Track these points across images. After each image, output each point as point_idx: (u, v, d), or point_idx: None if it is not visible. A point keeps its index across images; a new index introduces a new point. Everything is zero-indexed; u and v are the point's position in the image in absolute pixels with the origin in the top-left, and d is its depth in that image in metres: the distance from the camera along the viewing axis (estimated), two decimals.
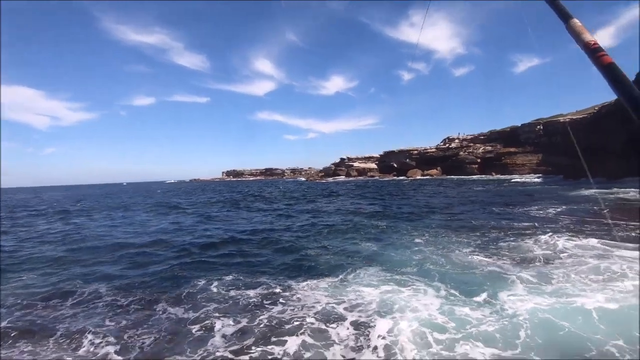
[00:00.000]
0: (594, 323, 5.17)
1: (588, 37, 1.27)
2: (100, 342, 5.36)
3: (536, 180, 43.67)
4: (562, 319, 5.42)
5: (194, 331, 5.45)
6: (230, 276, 8.50)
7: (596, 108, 39.44)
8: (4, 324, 6.21)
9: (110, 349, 5.19)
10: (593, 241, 9.47)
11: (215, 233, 14.72)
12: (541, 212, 15.59)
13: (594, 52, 1.19)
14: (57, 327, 5.95)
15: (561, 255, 8.65)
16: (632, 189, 21.92)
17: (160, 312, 6.48)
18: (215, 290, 7.54)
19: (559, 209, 16.03)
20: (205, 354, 4.82)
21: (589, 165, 33.91)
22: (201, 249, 11.50)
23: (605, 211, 14.96)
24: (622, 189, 22.62)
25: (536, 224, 12.65)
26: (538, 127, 64.86)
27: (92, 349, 5.18)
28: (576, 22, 1.37)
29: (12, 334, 5.79)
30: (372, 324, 5.59)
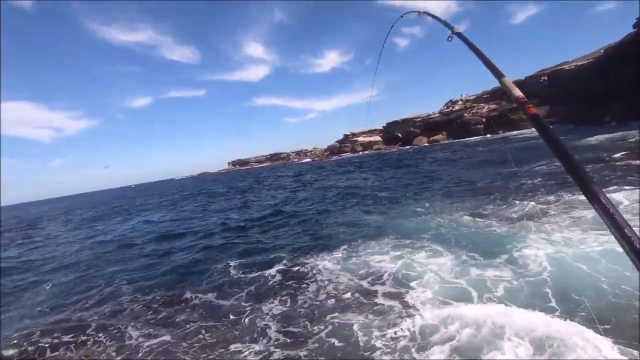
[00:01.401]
0: (603, 264, 5.32)
1: (517, 92, 1.47)
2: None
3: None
4: (575, 263, 5.55)
5: (244, 319, 5.66)
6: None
7: (602, 51, 37.91)
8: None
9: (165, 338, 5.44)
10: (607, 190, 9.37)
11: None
12: (546, 167, 15.40)
13: (523, 104, 1.39)
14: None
15: (566, 208, 8.66)
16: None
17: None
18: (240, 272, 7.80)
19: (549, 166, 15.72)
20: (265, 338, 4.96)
21: (597, 110, 33.12)
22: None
23: (606, 157, 14.72)
24: (630, 132, 22.05)
25: (540, 180, 12.55)
26: (542, 78, 62.97)
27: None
28: (507, 79, 1.58)
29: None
30: (402, 296, 5.72)
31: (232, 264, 8.72)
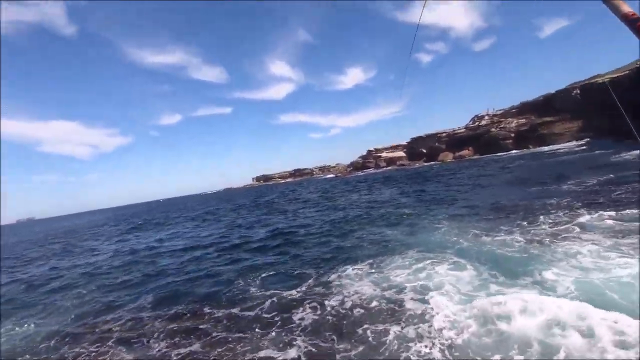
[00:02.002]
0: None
1: (626, 8, 1.25)
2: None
3: (578, 147, 41.06)
4: (606, 290, 5.20)
5: (272, 330, 5.73)
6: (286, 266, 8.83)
7: (638, 63, 36.32)
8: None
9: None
10: (631, 212, 8.86)
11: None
12: (574, 186, 14.65)
13: (633, 22, 1.18)
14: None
15: (593, 230, 8.19)
16: None
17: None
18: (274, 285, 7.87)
19: (595, 180, 14.97)
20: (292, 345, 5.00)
21: (635, 125, 31.46)
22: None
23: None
24: None
25: (568, 200, 11.93)
26: (575, 91, 60.76)
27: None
28: None
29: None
30: (424, 309, 5.65)
31: (257, 275, 8.82)
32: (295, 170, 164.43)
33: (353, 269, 8.12)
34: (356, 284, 7.12)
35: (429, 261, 7.72)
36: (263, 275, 8.90)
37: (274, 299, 7.01)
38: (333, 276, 7.86)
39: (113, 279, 11.18)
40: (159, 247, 16.57)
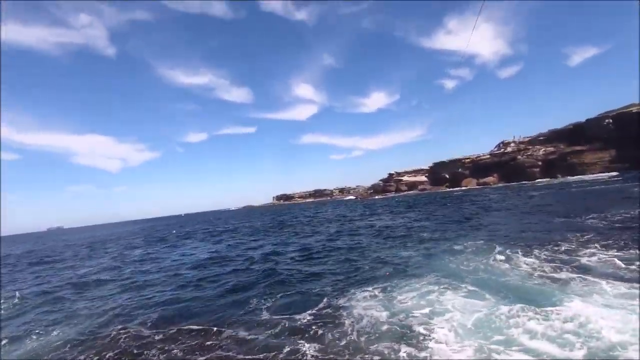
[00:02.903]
0: None
1: None
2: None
3: (610, 179, 39.17)
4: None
5: (281, 352, 5.70)
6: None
7: None
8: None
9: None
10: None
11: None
12: (597, 220, 13.89)
13: None
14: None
15: (615, 268, 7.70)
16: None
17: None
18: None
19: (623, 215, 14.18)
20: None
21: None
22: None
23: None
24: None
25: (592, 235, 11.28)
26: (607, 120, 58.68)
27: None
28: None
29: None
30: (430, 337, 5.51)
31: (268, 295, 8.76)
32: (315, 190, 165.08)
33: (365, 292, 7.98)
34: (368, 307, 6.98)
35: (442, 290, 7.52)
36: (276, 294, 8.83)
37: (287, 320, 6.95)
38: (343, 300, 7.72)
39: (129, 291, 11.41)
40: (174, 261, 16.83)
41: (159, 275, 13.33)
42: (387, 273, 9.60)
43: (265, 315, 7.39)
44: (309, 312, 7.19)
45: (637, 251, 8.63)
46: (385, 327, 5.93)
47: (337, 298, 7.84)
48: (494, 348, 4.93)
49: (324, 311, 7.13)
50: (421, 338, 5.43)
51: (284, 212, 63.01)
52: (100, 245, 33.96)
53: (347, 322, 6.36)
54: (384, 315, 6.43)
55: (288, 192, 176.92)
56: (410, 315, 6.30)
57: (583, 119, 66.95)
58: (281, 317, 7.16)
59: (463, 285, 7.60)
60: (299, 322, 6.72)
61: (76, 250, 30.34)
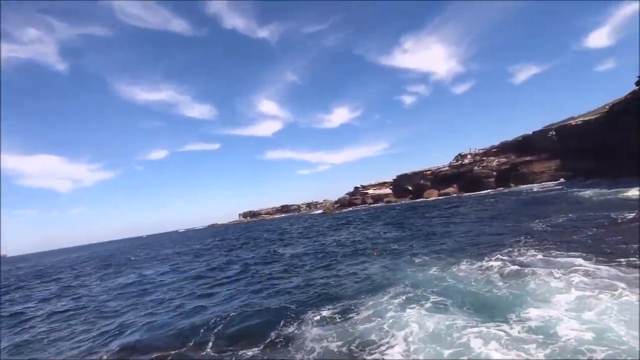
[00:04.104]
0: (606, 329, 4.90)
1: None
2: None
3: (556, 186, 42.08)
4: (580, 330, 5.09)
5: None
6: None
7: (607, 107, 38.39)
8: None
9: None
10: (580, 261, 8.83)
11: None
12: (543, 224, 14.84)
13: None
14: None
15: (566, 270, 8.11)
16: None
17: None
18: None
19: (561, 220, 15.27)
20: None
21: (608, 165, 32.64)
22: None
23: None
24: (633, 187, 21.41)
25: (538, 239, 12.05)
26: (550, 132, 63.46)
27: None
28: None
29: None
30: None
31: (221, 319, 8.23)
32: (282, 206, 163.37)
33: (321, 317, 7.64)
34: (319, 342, 6.48)
35: (401, 301, 7.44)
36: (218, 327, 8.17)
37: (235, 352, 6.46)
38: (294, 328, 7.29)
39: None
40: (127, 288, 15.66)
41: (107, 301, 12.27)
42: (349, 289, 9.44)
43: (209, 350, 6.83)
44: (257, 345, 6.72)
45: (578, 252, 9.08)
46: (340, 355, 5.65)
47: (290, 324, 7.44)
48: (454, 354, 4.88)
49: (276, 340, 6.74)
50: None
51: (250, 229, 61.55)
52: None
53: (297, 357, 5.96)
54: (337, 345, 6.09)
55: (255, 208, 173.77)
56: (366, 338, 6.08)
57: (530, 132, 72.06)
58: (226, 352, 6.65)
59: (422, 297, 7.59)
60: (248, 354, 6.29)
61: None
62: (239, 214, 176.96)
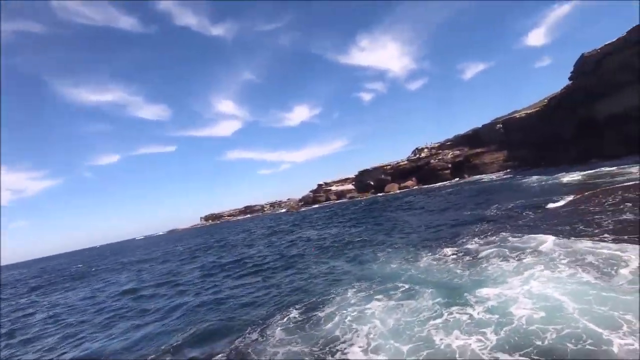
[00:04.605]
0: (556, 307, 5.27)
1: None
2: None
3: (505, 175, 45.10)
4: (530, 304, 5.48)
5: None
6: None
7: (545, 101, 41.68)
8: None
9: None
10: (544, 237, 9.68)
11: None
12: (496, 210, 16.08)
13: None
14: None
15: (514, 250, 8.85)
16: (579, 172, 22.93)
17: None
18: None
19: (510, 205, 16.57)
20: None
21: (548, 154, 35.57)
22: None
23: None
24: (569, 174, 23.74)
25: (492, 224, 12.99)
26: (497, 125, 67.73)
27: None
28: None
29: None
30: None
31: (171, 333, 7.95)
32: (245, 207, 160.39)
33: (288, 318, 7.62)
34: (285, 344, 6.46)
35: (365, 294, 7.61)
36: (178, 339, 7.93)
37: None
38: (259, 332, 7.21)
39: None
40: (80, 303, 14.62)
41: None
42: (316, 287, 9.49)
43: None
44: (222, 352, 6.59)
45: (528, 235, 9.81)
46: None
47: (256, 328, 7.36)
48: (413, 350, 5.05)
49: (240, 346, 6.63)
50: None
51: (211, 233, 59.81)
52: None
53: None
54: (300, 347, 6.10)
55: (217, 211, 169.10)
56: (330, 336, 6.16)
57: (480, 125, 76.43)
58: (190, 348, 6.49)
59: (387, 290, 7.81)
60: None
61: None
62: (201, 217, 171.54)
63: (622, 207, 10.85)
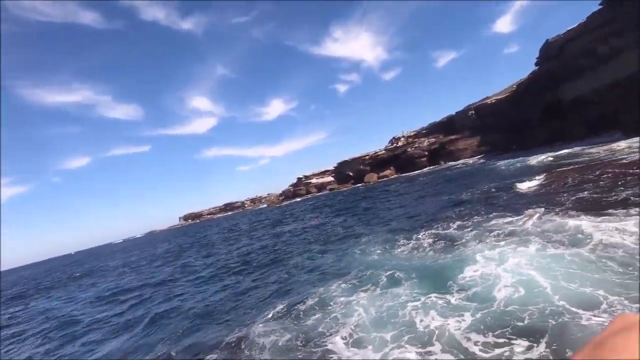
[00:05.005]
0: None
1: None
2: None
3: (478, 160, 46.53)
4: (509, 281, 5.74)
5: None
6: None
7: (514, 86, 43.07)
8: None
9: None
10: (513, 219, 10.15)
11: None
12: (472, 194, 16.64)
13: None
14: None
15: (490, 232, 9.23)
16: (547, 154, 24.09)
17: None
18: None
19: (485, 187, 17.30)
20: None
21: (518, 138, 36.96)
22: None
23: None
24: (537, 156, 24.90)
25: (470, 208, 13.45)
26: (470, 112, 69.53)
27: None
28: None
29: None
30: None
31: (179, 324, 7.89)
32: (225, 204, 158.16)
33: (274, 313, 7.69)
34: (272, 338, 6.52)
35: (349, 285, 7.76)
36: (163, 342, 7.92)
37: None
38: (247, 329, 7.24)
39: None
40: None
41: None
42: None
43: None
44: (212, 350, 6.62)
45: (507, 219, 10.25)
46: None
47: (244, 325, 7.40)
48: (395, 338, 5.23)
49: (231, 342, 6.67)
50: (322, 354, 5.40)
51: (191, 233, 58.82)
52: None
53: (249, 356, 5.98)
54: (287, 340, 6.20)
55: (196, 210, 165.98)
56: (315, 329, 6.24)
57: (454, 112, 78.18)
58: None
59: (370, 279, 8.00)
60: None
61: None
62: (180, 217, 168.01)
63: (583, 186, 11.50)
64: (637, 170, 11.90)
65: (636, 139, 18.64)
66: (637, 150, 15.71)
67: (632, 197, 8.75)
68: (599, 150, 19.14)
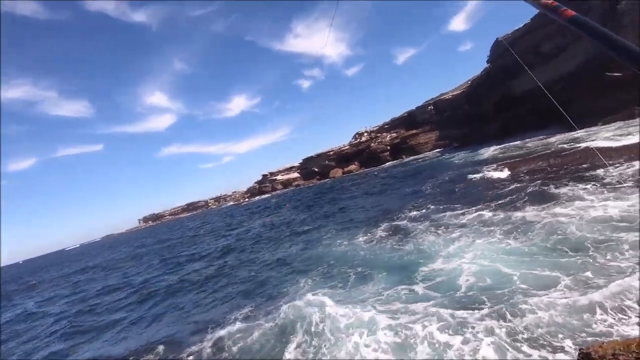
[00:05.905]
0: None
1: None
2: None
3: (437, 153, 48.30)
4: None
5: None
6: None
7: (469, 82, 44.99)
8: None
9: None
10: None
11: None
12: (431, 188, 17.21)
13: (554, 10, 1.20)
14: None
15: (451, 224, 9.51)
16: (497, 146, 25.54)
17: None
18: None
19: (444, 179, 17.99)
20: None
21: (473, 132, 38.73)
22: None
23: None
24: (489, 148, 26.35)
25: (432, 200, 13.87)
26: (429, 107, 71.99)
27: None
28: None
29: None
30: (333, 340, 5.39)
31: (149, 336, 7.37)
32: (188, 204, 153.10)
33: (243, 315, 7.42)
34: (242, 340, 6.24)
35: (312, 281, 7.66)
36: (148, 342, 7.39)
37: None
38: (218, 332, 6.90)
39: None
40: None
41: None
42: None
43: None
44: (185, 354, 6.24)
45: (459, 208, 10.59)
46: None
47: (215, 329, 7.05)
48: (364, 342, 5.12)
49: (203, 347, 6.33)
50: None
51: (151, 234, 56.30)
52: None
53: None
54: (257, 342, 5.96)
55: (157, 211, 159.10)
56: (287, 328, 6.08)
57: (414, 107, 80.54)
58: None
59: (336, 276, 8.05)
60: None
61: None
62: (139, 219, 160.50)
63: (532, 177, 12.19)
64: (568, 161, 12.78)
65: (572, 133, 20.00)
66: (566, 143, 17.03)
67: (566, 187, 9.36)
68: (537, 144, 20.51)
